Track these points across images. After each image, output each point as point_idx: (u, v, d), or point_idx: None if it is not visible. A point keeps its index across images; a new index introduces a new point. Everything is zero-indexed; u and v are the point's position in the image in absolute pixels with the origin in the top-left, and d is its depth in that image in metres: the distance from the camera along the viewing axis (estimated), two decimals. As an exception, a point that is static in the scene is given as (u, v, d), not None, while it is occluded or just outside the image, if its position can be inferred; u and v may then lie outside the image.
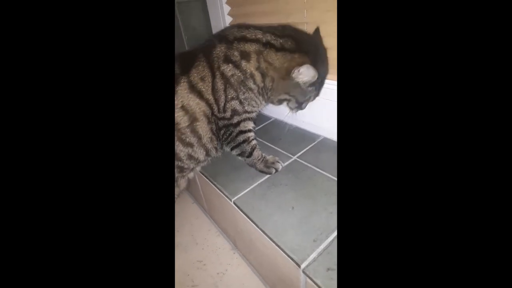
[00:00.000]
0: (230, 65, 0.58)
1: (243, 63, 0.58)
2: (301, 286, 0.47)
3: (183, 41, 1.19)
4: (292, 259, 0.46)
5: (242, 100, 0.60)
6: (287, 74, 0.56)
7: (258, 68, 0.58)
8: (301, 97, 0.61)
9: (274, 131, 0.86)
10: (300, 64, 0.54)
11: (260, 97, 0.63)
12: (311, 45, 0.57)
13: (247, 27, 0.59)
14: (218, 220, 0.83)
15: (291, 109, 0.66)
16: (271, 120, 0.94)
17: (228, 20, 0.93)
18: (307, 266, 0.44)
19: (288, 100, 0.62)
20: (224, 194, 0.64)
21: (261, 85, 0.60)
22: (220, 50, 0.58)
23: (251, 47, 0.57)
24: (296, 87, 0.59)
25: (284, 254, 0.48)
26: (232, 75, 0.58)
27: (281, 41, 0.56)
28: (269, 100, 0.64)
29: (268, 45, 0.57)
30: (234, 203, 0.61)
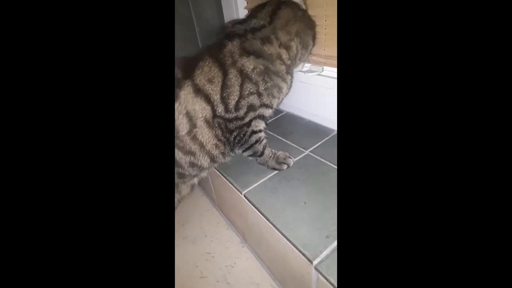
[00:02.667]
0: (251, 57, 0.56)
1: (266, 47, 0.58)
2: (312, 283, 0.46)
3: (195, 32, 1.18)
4: (304, 255, 0.45)
5: (262, 92, 0.58)
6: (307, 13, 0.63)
7: (281, 45, 0.59)
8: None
9: (286, 124, 0.85)
10: None
11: (288, 77, 0.63)
12: None
13: (245, 20, 0.61)
14: (227, 213, 0.83)
15: (302, 60, 0.67)
16: (283, 113, 0.92)
17: (242, 13, 0.91)
18: (319, 262, 0.43)
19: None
20: (235, 187, 0.63)
21: (288, 62, 0.61)
22: (233, 45, 0.56)
23: (265, 32, 0.58)
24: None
25: (295, 249, 0.46)
26: (254, 68, 0.56)
27: (273, 7, 0.60)
28: (300, 60, 0.66)
29: (270, 19, 0.59)
30: (244, 196, 0.60)
